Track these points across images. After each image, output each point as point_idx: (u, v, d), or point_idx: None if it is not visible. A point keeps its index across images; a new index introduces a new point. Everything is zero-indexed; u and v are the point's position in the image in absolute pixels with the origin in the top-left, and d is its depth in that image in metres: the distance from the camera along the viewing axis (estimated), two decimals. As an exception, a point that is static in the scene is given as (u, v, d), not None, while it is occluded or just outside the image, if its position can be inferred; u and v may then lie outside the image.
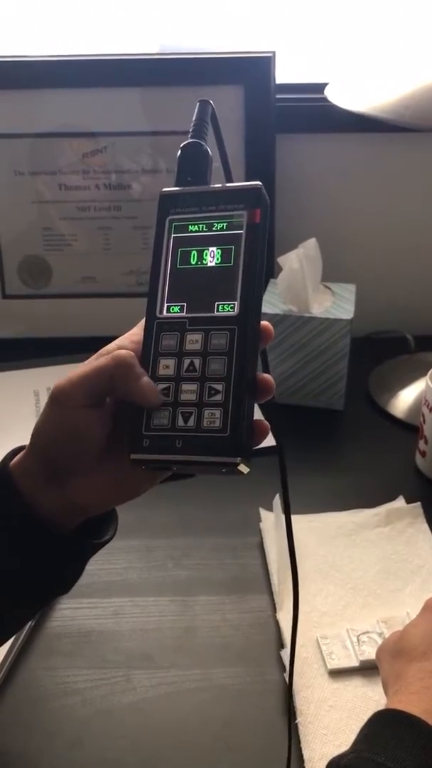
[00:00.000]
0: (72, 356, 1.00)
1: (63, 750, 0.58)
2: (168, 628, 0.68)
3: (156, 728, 0.60)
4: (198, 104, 0.50)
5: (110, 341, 0.49)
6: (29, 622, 0.66)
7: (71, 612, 0.69)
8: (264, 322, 0.46)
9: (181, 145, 0.49)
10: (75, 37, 1.01)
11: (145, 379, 0.45)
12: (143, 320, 0.48)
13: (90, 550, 0.50)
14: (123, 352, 0.45)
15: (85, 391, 0.45)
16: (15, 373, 1.01)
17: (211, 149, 0.50)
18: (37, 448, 0.47)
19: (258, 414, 0.46)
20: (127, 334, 0.49)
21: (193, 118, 0.50)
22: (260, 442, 0.45)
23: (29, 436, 0.48)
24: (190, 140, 0.49)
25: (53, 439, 0.46)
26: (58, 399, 0.46)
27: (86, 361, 0.47)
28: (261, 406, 0.50)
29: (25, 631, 0.66)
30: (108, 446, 0.47)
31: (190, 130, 0.50)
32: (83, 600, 0.69)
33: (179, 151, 0.49)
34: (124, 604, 0.70)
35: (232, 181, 0.51)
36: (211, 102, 0.51)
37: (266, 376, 0.46)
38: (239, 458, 0.43)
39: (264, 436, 0.45)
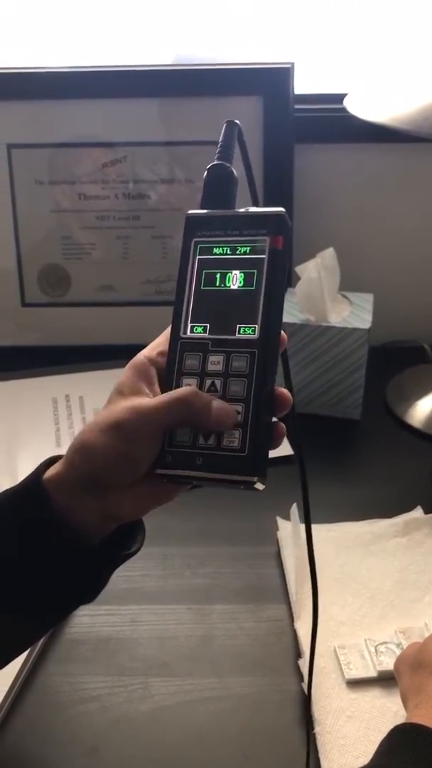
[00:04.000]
0: (90, 364, 1.02)
1: (80, 757, 0.58)
2: (185, 636, 0.68)
3: (173, 737, 0.60)
4: (225, 125, 0.51)
5: (128, 350, 0.50)
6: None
7: (89, 619, 0.69)
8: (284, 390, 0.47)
9: (208, 166, 0.50)
10: (90, 46, 1.02)
11: (216, 404, 0.45)
12: (167, 330, 0.50)
13: (118, 561, 0.51)
14: (192, 390, 0.46)
15: (156, 428, 0.46)
16: (34, 380, 1.02)
17: (237, 168, 0.51)
18: (80, 465, 0.47)
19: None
20: (153, 345, 0.50)
21: (220, 139, 0.51)
22: (278, 445, 0.47)
23: (47, 444, 0.48)
24: (216, 162, 0.50)
25: (105, 463, 0.46)
26: (125, 431, 0.46)
27: (151, 398, 0.47)
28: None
29: (43, 637, 0.66)
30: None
31: (217, 151, 0.51)
32: (101, 607, 0.70)
33: (205, 173, 0.50)
34: (141, 612, 0.70)
35: (258, 203, 0.52)
36: (238, 123, 0.51)
37: (284, 391, 0.47)
38: (256, 477, 0.45)
39: (281, 439, 0.47)
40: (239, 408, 0.46)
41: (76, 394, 0.99)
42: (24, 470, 0.49)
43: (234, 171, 0.50)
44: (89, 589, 0.50)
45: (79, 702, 0.62)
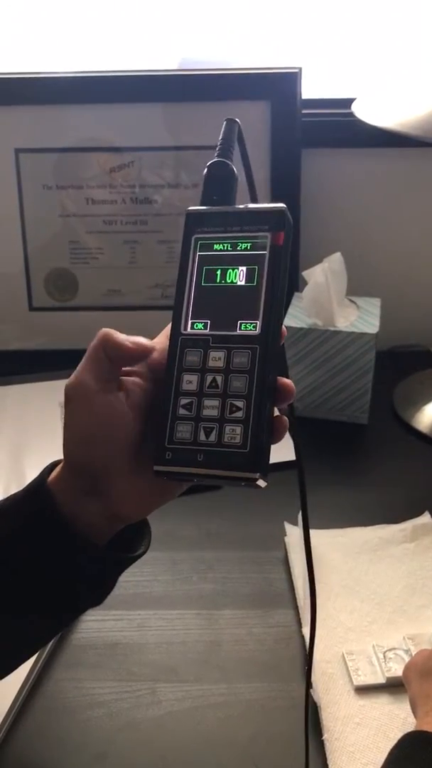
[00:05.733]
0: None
1: (87, 763, 0.58)
2: (193, 641, 0.68)
3: (181, 743, 0.60)
4: (225, 123, 0.51)
5: None
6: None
7: (97, 624, 0.69)
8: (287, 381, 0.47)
9: (207, 164, 0.50)
10: (97, 51, 1.02)
11: (131, 336, 0.47)
12: (166, 328, 0.50)
13: (125, 563, 0.51)
14: (104, 329, 0.47)
15: (90, 375, 0.46)
16: (40, 384, 1.02)
17: (237, 167, 0.50)
18: (68, 456, 0.48)
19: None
20: (151, 342, 0.50)
21: (220, 137, 0.51)
22: (280, 438, 0.46)
23: (54, 448, 0.49)
24: (216, 159, 0.50)
25: (79, 437, 0.47)
26: (71, 395, 0.46)
27: None
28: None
29: (51, 643, 0.66)
30: (140, 450, 0.47)
31: (217, 149, 0.51)
32: (109, 612, 0.70)
33: (205, 170, 0.50)
34: (149, 617, 0.70)
35: (256, 200, 0.52)
36: (237, 121, 0.51)
37: (286, 380, 0.47)
38: (258, 474, 0.45)
39: (283, 432, 0.46)
40: (240, 404, 0.45)
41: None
42: (31, 475, 0.50)
43: (234, 168, 0.50)
44: (97, 591, 0.50)
45: (86, 707, 0.62)
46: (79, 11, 1.01)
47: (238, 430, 0.45)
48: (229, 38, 1.01)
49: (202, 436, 0.45)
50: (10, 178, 1.02)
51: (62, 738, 0.60)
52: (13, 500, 0.49)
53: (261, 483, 0.45)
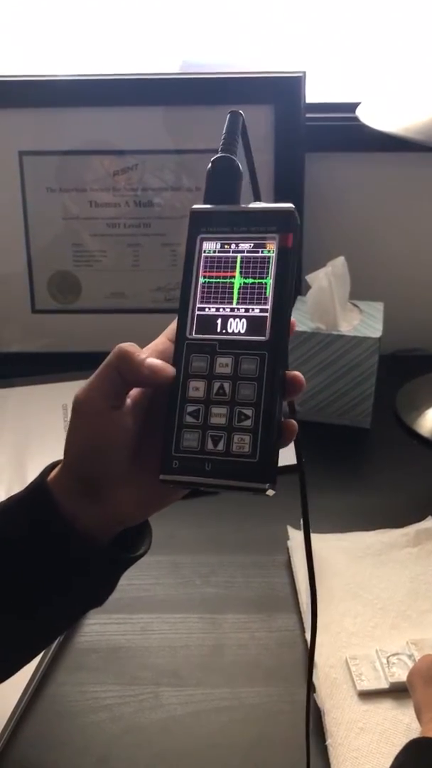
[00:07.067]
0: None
1: (90, 766, 0.58)
2: (196, 645, 0.67)
3: (184, 747, 0.59)
4: (228, 116, 0.49)
5: None
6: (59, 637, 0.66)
7: (100, 627, 0.69)
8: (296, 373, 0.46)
9: (212, 159, 0.49)
10: (100, 54, 1.02)
11: (148, 360, 0.45)
12: (168, 328, 0.49)
13: (126, 563, 0.50)
14: (122, 344, 0.46)
15: (100, 393, 0.45)
16: (44, 387, 1.02)
17: (240, 162, 0.49)
18: (69, 462, 0.48)
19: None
20: (150, 345, 0.49)
21: (224, 131, 0.49)
22: (289, 443, 0.46)
23: (57, 450, 0.49)
24: (220, 154, 0.48)
25: (82, 449, 0.47)
26: (79, 408, 0.46)
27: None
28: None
29: (54, 646, 0.66)
30: (138, 453, 0.47)
31: (221, 143, 0.49)
32: (111, 615, 0.70)
33: (209, 165, 0.49)
34: (152, 621, 0.70)
35: (259, 196, 0.51)
36: (241, 113, 0.49)
37: (296, 373, 0.46)
38: (267, 484, 0.44)
39: (292, 436, 0.46)
40: (249, 412, 0.44)
41: (85, 401, 0.99)
42: (34, 477, 0.49)
43: (239, 164, 0.48)
44: (98, 592, 0.50)
45: (89, 711, 0.62)
46: (83, 14, 1.01)
47: (247, 439, 0.44)
48: (232, 41, 1.02)
49: (210, 445, 0.45)
50: (14, 180, 1.02)
51: (65, 742, 0.60)
52: (13, 500, 0.49)
53: (270, 492, 0.44)
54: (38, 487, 0.48)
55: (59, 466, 0.49)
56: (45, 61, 1.03)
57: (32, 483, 0.49)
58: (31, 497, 0.48)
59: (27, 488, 0.49)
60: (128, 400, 0.47)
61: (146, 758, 0.59)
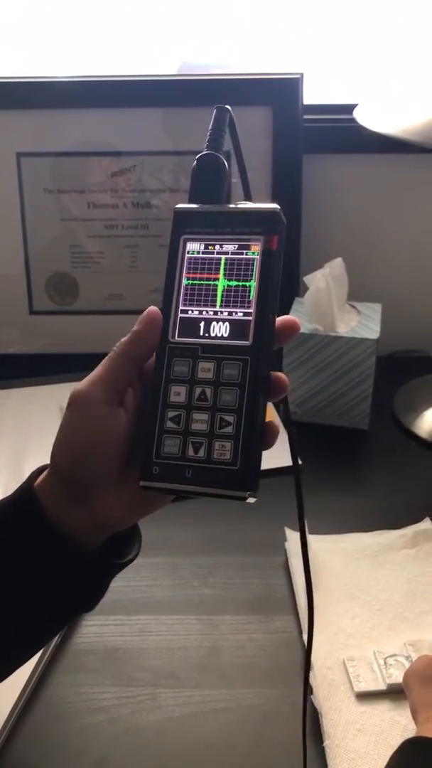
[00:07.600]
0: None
1: (88, 768, 0.58)
2: (193, 646, 0.67)
3: (182, 749, 0.59)
4: (215, 111, 0.48)
5: None
6: (55, 639, 0.66)
7: (97, 629, 0.69)
8: (289, 318, 0.45)
9: (197, 156, 0.47)
10: (94, 54, 1.03)
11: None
12: (146, 311, 0.48)
13: (114, 569, 0.50)
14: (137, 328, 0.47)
15: (103, 386, 0.45)
16: (41, 388, 1.02)
17: (229, 160, 0.48)
18: (57, 465, 0.47)
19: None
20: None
21: (209, 127, 0.47)
22: (272, 445, 0.45)
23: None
24: (205, 152, 0.47)
25: (71, 450, 0.46)
26: (75, 402, 0.45)
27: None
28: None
29: (51, 648, 0.66)
30: (127, 456, 0.46)
31: (206, 140, 0.48)
32: (109, 617, 0.70)
33: (194, 163, 0.47)
34: (149, 622, 0.70)
35: (250, 196, 0.50)
36: (229, 108, 0.48)
37: (280, 374, 0.45)
38: (248, 492, 0.43)
39: (274, 439, 0.45)
40: (230, 419, 0.43)
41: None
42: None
43: (225, 161, 0.47)
44: (86, 598, 0.50)
45: (86, 712, 0.62)
46: (81, 16, 1.01)
47: (228, 446, 0.43)
48: (230, 43, 1.02)
49: (191, 452, 0.44)
50: (12, 181, 1.02)
51: (62, 743, 0.60)
52: (1, 507, 0.48)
53: (251, 500, 0.44)
54: (25, 492, 0.48)
55: (47, 470, 0.48)
56: (43, 62, 1.03)
57: (19, 488, 0.48)
58: (18, 502, 0.48)
59: (14, 493, 0.49)
60: (121, 400, 0.46)
61: (144, 760, 0.59)
